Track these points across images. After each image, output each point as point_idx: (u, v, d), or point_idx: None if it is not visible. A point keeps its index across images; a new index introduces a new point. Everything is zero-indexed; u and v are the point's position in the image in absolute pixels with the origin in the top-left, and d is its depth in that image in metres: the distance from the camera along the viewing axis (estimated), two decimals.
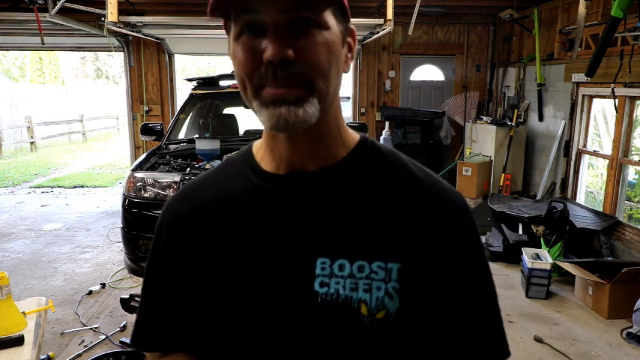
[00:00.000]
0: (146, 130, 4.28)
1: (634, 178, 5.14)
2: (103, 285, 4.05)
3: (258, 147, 0.80)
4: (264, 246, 0.73)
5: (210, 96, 4.97)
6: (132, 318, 3.26)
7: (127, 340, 3.09)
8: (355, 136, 0.78)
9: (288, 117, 0.64)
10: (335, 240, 0.70)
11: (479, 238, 0.75)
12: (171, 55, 7.19)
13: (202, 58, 24.33)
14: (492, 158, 6.16)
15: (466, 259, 0.73)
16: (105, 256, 4.83)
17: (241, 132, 5.11)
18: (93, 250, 5.02)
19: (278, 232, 0.72)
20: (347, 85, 7.54)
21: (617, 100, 4.38)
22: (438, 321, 0.71)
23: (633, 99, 4.40)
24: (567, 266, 3.81)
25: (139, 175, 3.42)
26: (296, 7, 0.63)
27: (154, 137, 4.31)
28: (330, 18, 0.67)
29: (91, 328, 3.32)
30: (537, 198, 5.66)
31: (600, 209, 4.79)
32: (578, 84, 5.20)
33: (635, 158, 4.58)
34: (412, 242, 0.70)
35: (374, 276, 0.69)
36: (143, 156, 3.99)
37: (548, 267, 3.86)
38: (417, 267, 0.70)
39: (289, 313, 0.71)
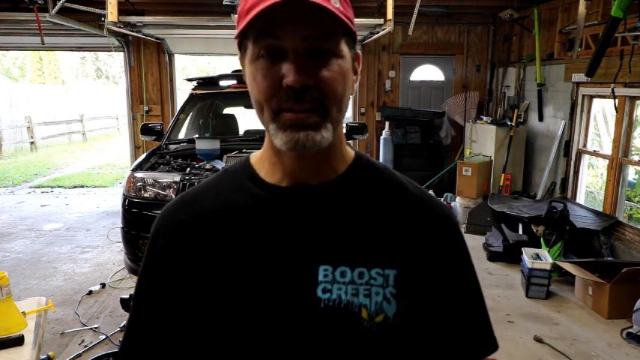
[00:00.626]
0: (146, 130, 4.28)
1: (634, 178, 5.14)
2: (103, 285, 4.05)
3: (257, 159, 0.82)
4: (267, 255, 0.74)
5: (210, 96, 4.97)
6: None
7: None
8: (351, 152, 0.82)
9: (306, 141, 0.68)
10: (336, 248, 0.74)
11: (467, 248, 0.81)
12: (171, 55, 7.19)
13: (202, 58, 24.33)
14: (492, 158, 6.16)
15: (456, 267, 0.79)
16: (105, 256, 4.83)
17: (241, 132, 5.11)
18: (93, 250, 5.02)
19: (281, 242, 0.74)
20: None
21: (617, 100, 4.38)
22: (432, 323, 0.77)
23: (633, 99, 4.40)
24: (567, 266, 3.81)
25: (139, 175, 3.42)
26: (316, 37, 0.66)
27: (154, 137, 4.30)
28: (344, 47, 0.71)
29: (91, 328, 3.32)
30: (537, 198, 5.67)
31: (600, 209, 4.79)
32: (578, 84, 5.20)
33: (635, 158, 4.57)
34: (407, 251, 0.76)
35: (373, 282, 0.73)
36: (143, 156, 3.99)
37: (548, 267, 3.86)
38: (412, 273, 0.75)
39: (293, 319, 0.73)
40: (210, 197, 0.81)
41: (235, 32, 0.70)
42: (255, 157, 0.82)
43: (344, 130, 0.84)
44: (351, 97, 0.76)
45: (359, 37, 6.43)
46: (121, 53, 7.14)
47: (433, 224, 0.78)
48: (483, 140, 6.39)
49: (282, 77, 0.66)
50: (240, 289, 0.74)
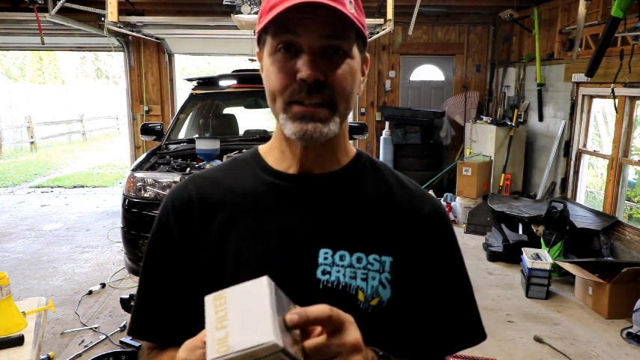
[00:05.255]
0: (146, 130, 4.27)
1: (634, 178, 5.14)
2: (103, 285, 4.05)
3: (265, 149, 0.87)
4: (271, 236, 0.79)
5: (210, 96, 4.96)
6: None
7: (127, 340, 3.09)
8: (353, 148, 0.89)
9: (314, 133, 0.73)
10: (337, 234, 0.79)
11: (457, 240, 0.87)
12: (171, 55, 7.19)
13: (202, 58, 24.29)
14: (492, 158, 6.16)
15: (447, 260, 0.85)
16: (105, 256, 4.83)
17: (241, 132, 5.11)
18: (93, 250, 5.02)
19: (286, 225, 0.80)
20: None
21: (617, 100, 4.38)
22: (423, 311, 0.82)
23: (633, 99, 4.40)
24: (567, 266, 3.81)
25: (139, 175, 3.42)
26: (330, 36, 0.72)
27: (154, 137, 4.30)
28: (355, 49, 0.77)
29: (91, 328, 3.32)
30: (537, 198, 5.67)
31: (600, 209, 4.78)
32: (578, 84, 5.20)
33: (635, 158, 4.58)
34: (402, 240, 0.81)
35: (370, 267, 0.79)
36: (143, 156, 3.99)
37: (548, 267, 3.86)
38: (406, 262, 0.81)
39: (295, 299, 0.76)
40: (221, 179, 0.86)
41: (257, 27, 0.75)
42: (264, 147, 0.88)
43: None
44: (358, 96, 0.81)
45: None
46: (121, 53, 7.14)
47: (427, 218, 0.83)
48: (483, 140, 6.39)
49: (297, 71, 0.71)
50: (247, 269, 0.78)
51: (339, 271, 0.77)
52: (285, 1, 0.70)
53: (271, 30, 0.73)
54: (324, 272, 0.77)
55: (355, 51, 0.76)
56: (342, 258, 0.78)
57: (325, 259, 0.78)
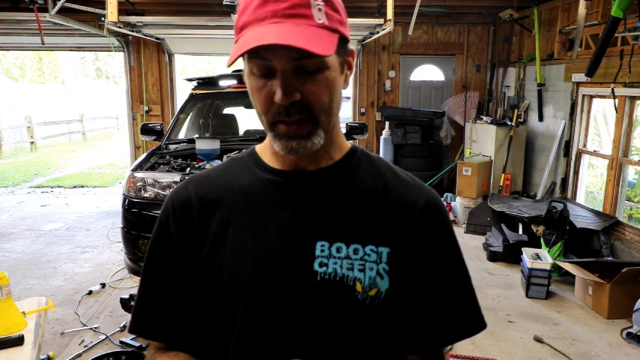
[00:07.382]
0: (146, 130, 4.27)
1: (634, 178, 5.14)
2: (103, 285, 4.05)
3: (262, 148, 0.89)
4: (269, 231, 0.81)
5: (210, 96, 4.96)
6: None
7: (127, 340, 3.09)
8: (347, 143, 0.90)
9: (299, 149, 0.76)
10: (333, 226, 0.81)
11: (453, 231, 0.88)
12: (171, 55, 7.19)
13: (202, 58, 24.31)
14: (492, 158, 6.16)
15: (444, 248, 0.85)
16: (105, 256, 4.83)
17: (241, 132, 5.11)
18: (93, 250, 5.02)
19: (282, 219, 0.81)
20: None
21: (617, 100, 4.38)
22: (421, 301, 0.83)
23: (633, 99, 4.40)
24: (567, 266, 3.81)
25: (139, 175, 3.41)
26: (300, 57, 0.71)
27: (154, 137, 4.30)
28: (331, 57, 0.75)
29: (91, 328, 3.32)
30: (537, 198, 5.67)
31: (600, 209, 4.78)
32: (578, 84, 5.20)
33: (635, 158, 4.57)
34: (399, 231, 0.82)
35: (367, 258, 0.80)
36: (143, 156, 3.98)
37: (548, 267, 3.86)
38: (403, 253, 0.81)
39: (292, 291, 0.79)
40: (219, 179, 0.88)
41: (230, 60, 0.74)
42: (260, 146, 0.89)
43: (343, 131, 0.90)
44: (344, 90, 0.82)
45: (359, 37, 6.45)
46: (121, 53, 7.14)
47: (423, 209, 0.84)
48: (483, 140, 6.39)
49: (274, 93, 0.73)
50: (241, 265, 0.80)
51: (336, 263, 0.78)
52: (250, 27, 0.72)
53: (247, 55, 0.74)
54: (321, 264, 0.78)
55: (331, 59, 0.75)
56: (338, 250, 0.79)
57: (322, 251, 0.79)
